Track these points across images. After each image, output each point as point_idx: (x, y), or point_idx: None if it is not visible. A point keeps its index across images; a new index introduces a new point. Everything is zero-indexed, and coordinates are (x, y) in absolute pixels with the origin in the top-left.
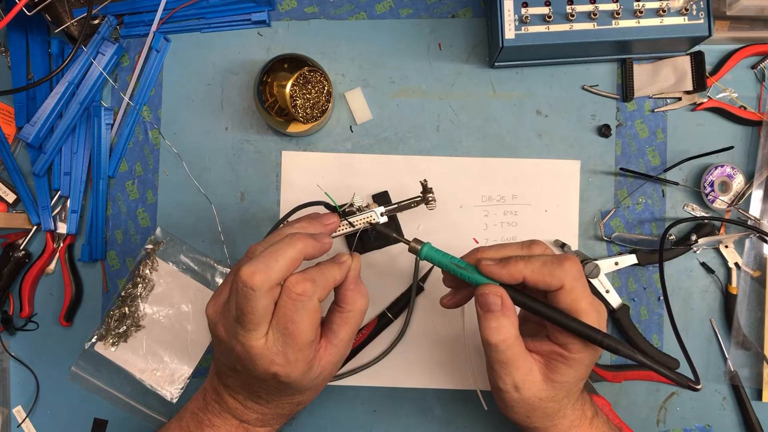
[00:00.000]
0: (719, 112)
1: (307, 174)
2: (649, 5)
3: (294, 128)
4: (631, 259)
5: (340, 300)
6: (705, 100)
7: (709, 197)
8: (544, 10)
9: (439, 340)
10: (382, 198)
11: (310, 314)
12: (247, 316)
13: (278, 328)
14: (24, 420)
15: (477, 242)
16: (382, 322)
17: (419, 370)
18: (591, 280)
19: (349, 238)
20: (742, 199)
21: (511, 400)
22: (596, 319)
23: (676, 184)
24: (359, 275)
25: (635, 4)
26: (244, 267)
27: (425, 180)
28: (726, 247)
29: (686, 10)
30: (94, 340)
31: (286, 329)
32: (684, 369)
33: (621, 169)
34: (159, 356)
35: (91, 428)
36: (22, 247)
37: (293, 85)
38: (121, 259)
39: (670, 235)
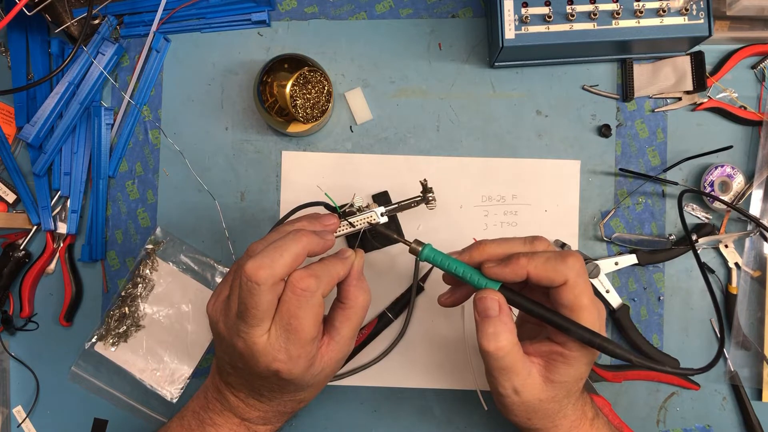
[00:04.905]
0: (719, 112)
1: (307, 174)
2: (649, 5)
3: (294, 128)
4: (631, 259)
5: (342, 296)
6: (705, 100)
7: (709, 197)
8: (544, 10)
9: (439, 341)
10: (382, 198)
11: (314, 310)
12: (251, 311)
13: (281, 324)
14: (24, 420)
15: None
16: (382, 322)
17: (419, 370)
18: (591, 280)
19: (349, 238)
20: (742, 199)
21: (511, 404)
22: (597, 316)
23: (676, 184)
24: (362, 271)
25: (635, 4)
26: (249, 262)
27: (425, 180)
28: (726, 247)
29: (686, 10)
30: (94, 340)
31: (290, 325)
32: (685, 364)
33: (621, 169)
34: (159, 356)
35: (91, 428)
36: (22, 247)
37: (293, 85)
38: (121, 259)
39: (670, 235)
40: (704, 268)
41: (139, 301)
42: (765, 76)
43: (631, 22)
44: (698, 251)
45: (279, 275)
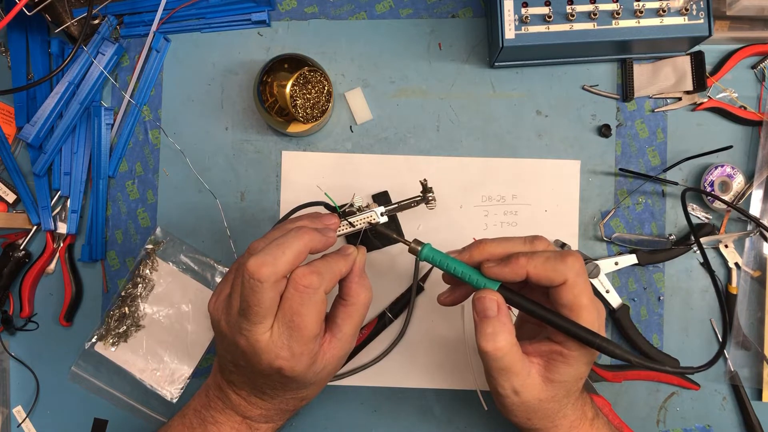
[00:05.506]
0: (719, 112)
1: (307, 174)
2: (649, 5)
3: (294, 128)
4: (631, 259)
5: (344, 293)
6: (705, 100)
7: (709, 197)
8: (544, 10)
9: (439, 341)
10: (382, 198)
11: (317, 307)
12: (253, 309)
13: (284, 321)
14: (24, 420)
15: None
16: (382, 322)
17: (419, 370)
18: (591, 280)
19: (349, 238)
20: (742, 199)
21: (511, 405)
22: (596, 316)
23: (676, 184)
24: (364, 268)
25: (635, 4)
26: (251, 259)
27: (425, 180)
28: (726, 246)
29: (686, 10)
30: (94, 340)
31: (292, 322)
32: (685, 364)
33: (620, 169)
34: (159, 356)
35: (91, 428)
36: (22, 247)
37: (293, 85)
38: (121, 259)
39: (670, 235)
40: (709, 266)
41: (139, 301)
42: (765, 76)
43: (631, 22)
44: (698, 251)
45: (281, 272)
